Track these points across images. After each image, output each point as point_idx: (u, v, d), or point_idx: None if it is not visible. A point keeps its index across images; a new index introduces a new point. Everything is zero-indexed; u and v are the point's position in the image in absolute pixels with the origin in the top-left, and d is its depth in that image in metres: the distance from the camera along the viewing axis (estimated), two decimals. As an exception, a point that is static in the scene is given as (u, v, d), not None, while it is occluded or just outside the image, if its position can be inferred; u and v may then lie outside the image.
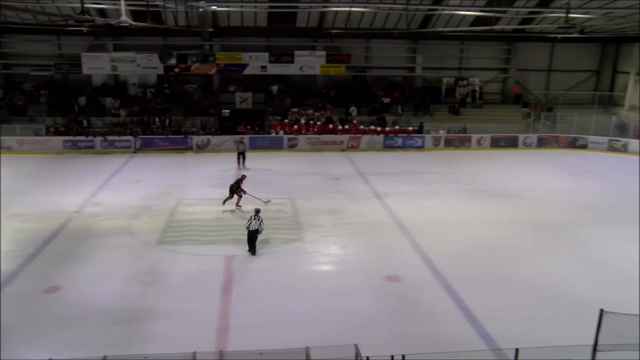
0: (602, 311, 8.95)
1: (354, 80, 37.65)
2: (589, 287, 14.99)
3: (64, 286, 14.49)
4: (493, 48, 38.57)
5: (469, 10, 28.92)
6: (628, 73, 37.27)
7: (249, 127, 33.22)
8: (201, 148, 32.00)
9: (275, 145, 32.31)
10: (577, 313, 13.13)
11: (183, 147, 31.81)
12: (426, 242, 18.11)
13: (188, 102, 35.24)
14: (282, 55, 34.01)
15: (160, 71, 33.83)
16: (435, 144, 33.67)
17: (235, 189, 21.45)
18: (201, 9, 27.08)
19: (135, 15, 25.80)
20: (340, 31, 32.38)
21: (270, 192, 23.59)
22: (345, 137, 32.96)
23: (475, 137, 34.05)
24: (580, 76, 39.87)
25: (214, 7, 27.40)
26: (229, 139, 32.06)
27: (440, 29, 32.33)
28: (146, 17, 21.26)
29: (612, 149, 33.79)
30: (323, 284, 15.10)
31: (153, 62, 32.90)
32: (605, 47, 39.33)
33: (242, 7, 29.63)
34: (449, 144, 33.80)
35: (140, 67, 33.33)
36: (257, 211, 17.11)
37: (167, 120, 33.18)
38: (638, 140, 33.71)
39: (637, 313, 9.23)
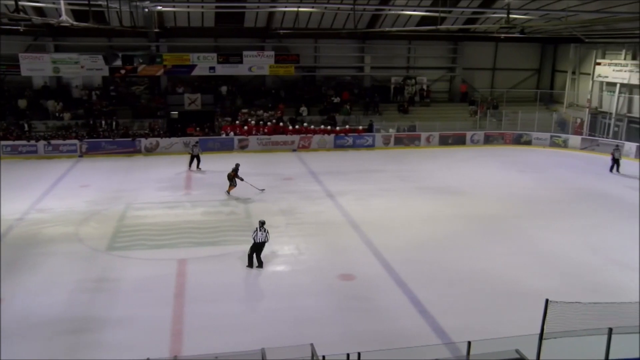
0: (547, 301, 9.24)
1: (303, 80, 37.71)
2: (534, 278, 15.51)
3: (6, 298, 13.91)
4: (439, 47, 39.34)
5: (415, 10, 29.39)
6: (566, 72, 38.75)
7: (198, 128, 32.80)
8: (150, 151, 31.38)
9: (226, 147, 32.01)
10: (524, 303, 13.58)
11: (131, 150, 31.12)
12: (378, 239, 18.33)
13: (135, 104, 34.50)
14: (230, 56, 33.73)
15: (106, 73, 32.96)
16: (385, 143, 34.09)
17: (233, 176, 22.95)
18: (146, 9, 26.54)
19: (77, 15, 25.06)
20: (288, 31, 32.36)
21: (223, 193, 23.40)
22: (296, 137, 32.98)
23: (424, 135, 34.65)
24: (522, 74, 41.18)
25: (159, 8, 26.89)
26: (178, 141, 31.58)
27: (387, 29, 32.72)
28: (88, 17, 20.64)
29: (553, 144, 35.03)
30: (277, 285, 15.07)
31: (97, 64, 31.97)
32: (545, 47, 40.78)
33: (188, 7, 29.19)
34: (399, 142, 34.28)
35: (84, 68, 32.36)
36: (262, 223, 16.14)
37: (114, 123, 32.37)
38: (577, 136, 35.20)
39: (580, 301, 9.59)
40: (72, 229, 18.97)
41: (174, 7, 28.61)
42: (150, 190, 24.08)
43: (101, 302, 13.82)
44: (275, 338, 11.63)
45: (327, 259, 16.78)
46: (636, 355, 9.89)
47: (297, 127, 33.72)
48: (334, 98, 36.55)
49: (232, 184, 23.09)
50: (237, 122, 33.47)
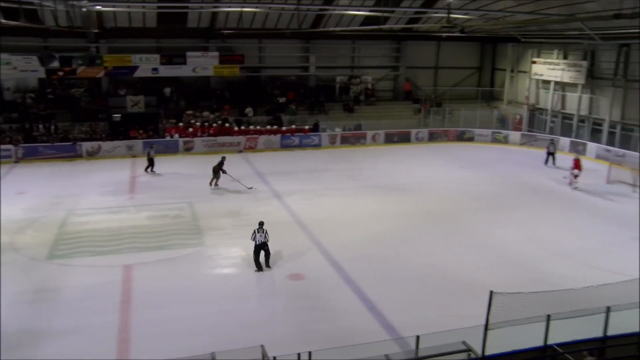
0: (491, 292, 9.52)
1: (248, 80, 37.44)
2: (480, 271, 15.98)
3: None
4: (383, 47, 39.88)
5: (358, 10, 29.69)
6: (504, 70, 40.02)
7: (141, 131, 32.08)
8: (92, 155, 30.43)
9: (171, 149, 31.42)
10: (470, 296, 13.92)
11: (72, 155, 30.09)
12: (326, 238, 18.43)
13: (75, 107, 33.34)
14: (174, 57, 33.14)
15: (42, 74, 31.73)
16: (332, 142, 34.29)
17: (217, 169, 23.98)
18: (84, 9, 25.72)
19: (6, 12, 23.92)
20: (232, 31, 32.10)
21: (168, 196, 23.02)
22: (242, 138, 32.73)
23: (369, 133, 35.04)
24: (464, 73, 42.26)
25: (98, 7, 26.12)
26: (121, 145, 30.80)
27: (331, 29, 32.95)
28: (19, 16, 19.71)
29: (495, 140, 36.10)
30: (226, 287, 14.95)
31: (32, 65, 30.74)
32: (484, 46, 41.99)
33: (129, 7, 28.44)
34: (345, 141, 34.54)
35: (17, 70, 30.98)
36: (261, 224, 15.98)
37: (52, 127, 31.22)
38: (517, 132, 36.40)
39: (521, 291, 9.93)
40: (7, 239, 18.09)
41: (113, 7, 27.81)
42: (93, 195, 23.38)
43: (42, 313, 13.32)
44: (226, 341, 11.49)
45: (276, 259, 16.72)
46: (572, 339, 10.34)
47: (242, 127, 33.48)
48: (280, 98, 36.48)
49: (217, 176, 24.11)
50: (182, 124, 32.91)
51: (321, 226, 19.61)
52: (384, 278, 15.60)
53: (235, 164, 29.13)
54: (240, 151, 32.35)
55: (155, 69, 32.87)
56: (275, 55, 37.43)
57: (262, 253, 15.89)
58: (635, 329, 10.89)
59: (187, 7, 28.95)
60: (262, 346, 9.12)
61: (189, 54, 33.20)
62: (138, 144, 30.99)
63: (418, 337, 9.57)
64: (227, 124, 33.39)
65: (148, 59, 32.66)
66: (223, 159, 24.84)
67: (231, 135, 32.79)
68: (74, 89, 34.21)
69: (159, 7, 29.00)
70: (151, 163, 27.29)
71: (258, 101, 36.25)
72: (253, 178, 26.38)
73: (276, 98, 36.53)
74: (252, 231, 15.93)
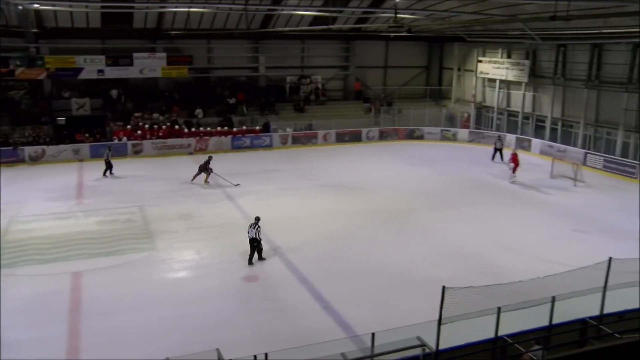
0: (444, 287, 9.72)
1: (197, 81, 36.97)
2: (433, 267, 16.29)
3: None
4: (333, 46, 40.10)
5: (307, 10, 29.76)
6: (452, 69, 40.91)
7: (87, 134, 31.19)
8: (35, 160, 29.37)
9: (119, 152, 30.61)
10: (424, 291, 14.09)
11: (13, 160, 28.92)
12: (281, 239, 18.41)
13: (15, 110, 32.07)
14: (120, 58, 32.38)
15: (-24, 76, 30.36)
16: (283, 142, 34.25)
17: (204, 168, 24.89)
18: (20, 7, 24.71)
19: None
20: (180, 32, 31.61)
21: (118, 201, 22.51)
22: (192, 140, 32.29)
23: (321, 133, 35.18)
24: (412, 72, 42.94)
25: (36, 6, 25.16)
26: (67, 149, 29.86)
27: (280, 29, 32.89)
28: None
29: (444, 138, 36.85)
30: (180, 291, 14.72)
31: (-34, 66, 29.41)
32: (432, 45, 42.78)
33: (70, 6, 27.55)
34: (297, 141, 34.57)
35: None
36: (257, 219, 16.55)
37: (-10, 131, 29.99)
38: (465, 130, 37.29)
39: (473, 285, 10.18)
40: (-53, 248, 17.39)
41: (53, 5, 26.90)
42: (38, 201, 22.60)
43: (-15, 326, 12.79)
44: (181, 346, 11.37)
45: (229, 261, 16.63)
46: (520, 329, 10.68)
47: (192, 129, 33.05)
48: (230, 99, 36.19)
49: (207, 173, 25.01)
50: (130, 126, 32.18)
51: (275, 227, 19.55)
52: (339, 277, 15.70)
53: (186, 166, 28.77)
54: (191, 153, 31.89)
55: (100, 71, 32.04)
56: (224, 56, 37.12)
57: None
58: (577, 316, 11.36)
59: (132, 8, 28.28)
60: (217, 349, 9.05)
61: (135, 55, 32.52)
62: (85, 147, 30.13)
63: (373, 334, 9.69)
64: (176, 126, 32.87)
65: (93, 60, 31.81)
66: (210, 158, 25.87)
67: (181, 137, 32.31)
68: (13, 91, 32.86)
69: (103, 7, 28.20)
70: (109, 166, 26.74)
71: (208, 102, 35.86)
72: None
73: (226, 99, 36.21)
74: (248, 225, 16.44)
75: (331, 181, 26.12)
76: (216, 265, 16.45)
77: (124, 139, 31.20)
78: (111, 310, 13.52)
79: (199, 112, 34.65)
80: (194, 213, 21.19)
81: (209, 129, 33.26)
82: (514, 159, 26.23)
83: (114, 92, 34.06)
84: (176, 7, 27.90)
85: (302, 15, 32.20)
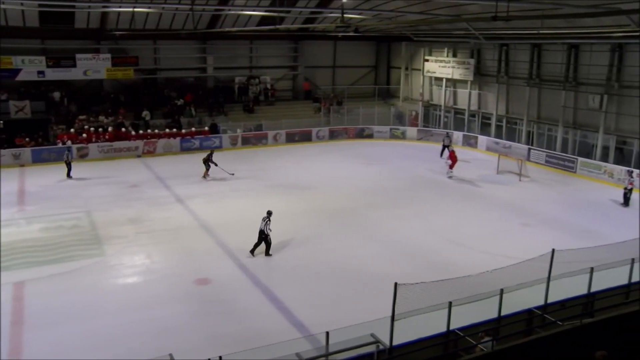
0: (396, 284, 9.85)
1: (144, 83, 36.22)
2: (385, 264, 16.49)
3: None
4: (281, 47, 40.04)
5: (254, 11, 29.56)
6: (399, 68, 41.51)
7: (28, 139, 30.02)
8: (-29, 166, 28.10)
9: (64, 157, 29.60)
10: (377, 289, 14.24)
11: (-55, 166, 27.57)
12: (233, 240, 18.26)
13: (-53, 113, 30.61)
14: (62, 59, 31.28)
15: None
16: (233, 143, 33.96)
17: (206, 161, 25.78)
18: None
19: None
20: (125, 32, 30.84)
21: (63, 206, 21.80)
22: (140, 143, 31.61)
23: (271, 133, 35.06)
24: (361, 71, 43.32)
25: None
26: (6, 153, 28.65)
27: (228, 29, 32.59)
28: None
29: (393, 136, 37.34)
30: (130, 297, 14.41)
31: None
32: (379, 45, 43.31)
33: (3, 4, 26.13)
34: (246, 142, 34.33)
35: None
36: (269, 213, 17.06)
37: None
38: (413, 128, 37.87)
39: (424, 281, 10.36)
40: None
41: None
42: (-25, 209, 21.64)
43: None
44: (132, 353, 11.14)
45: (181, 265, 16.38)
46: (471, 322, 10.95)
47: (140, 132, 32.37)
48: (178, 100, 35.61)
49: (206, 167, 25.73)
50: (74, 129, 31.18)
51: (226, 228, 19.40)
52: (292, 277, 15.70)
53: (133, 169, 28.20)
54: (139, 156, 31.22)
55: (41, 72, 30.87)
56: (171, 57, 36.48)
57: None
58: (524, 307, 11.74)
59: (73, 7, 27.32)
60: (170, 355, 8.90)
61: (78, 56, 31.50)
62: (26, 152, 29.06)
63: (327, 333, 9.73)
64: (123, 129, 32.11)
65: (32, 61, 30.62)
66: (212, 151, 27.04)
67: (128, 139, 31.58)
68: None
69: (40, 6, 27.05)
70: (70, 167, 26.37)
71: (155, 104, 35.16)
72: (153, 183, 25.62)
73: (174, 100, 35.61)
74: (262, 218, 16.95)
75: (282, 181, 26.07)
76: (167, 269, 16.17)
77: (69, 142, 30.20)
78: (57, 320, 13.07)
79: (146, 114, 33.94)
80: (144, 217, 20.76)
81: (156, 131, 32.65)
82: (452, 156, 27.05)
83: (57, 95, 32.94)
84: (120, 6, 27.16)
85: (250, 16, 32.00)
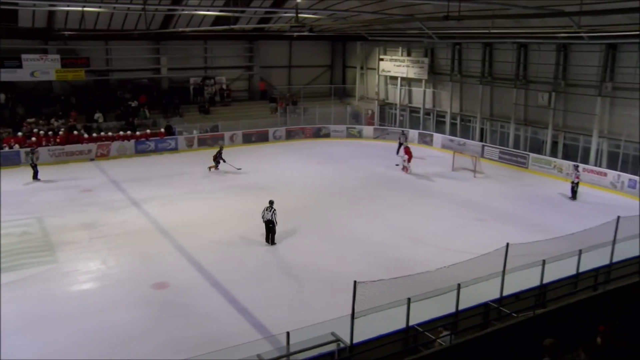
0: (355, 282, 9.93)
1: (96, 84, 35.35)
2: (345, 262, 16.59)
3: None
4: (236, 47, 39.73)
5: (208, 10, 29.23)
6: (355, 67, 41.79)
7: (-29, 143, 28.89)
8: None
9: (11, 161, 28.58)
10: (337, 287, 14.24)
11: None
12: (190, 243, 18.06)
13: None
14: (6, 60, 30.08)
15: None
16: (189, 145, 33.52)
17: (215, 158, 26.92)
18: None
19: None
20: (74, 33, 30.01)
21: (12, 213, 21.04)
22: (93, 146, 30.81)
23: (227, 134, 34.75)
24: (317, 71, 43.43)
25: None
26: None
27: (181, 29, 32.13)
28: None
29: (350, 135, 37.57)
30: (85, 305, 14.05)
31: None
32: (335, 44, 43.50)
33: None
34: (203, 143, 33.93)
35: None
36: (271, 202, 18.13)
37: None
38: (369, 127, 38.21)
39: (383, 278, 10.48)
40: None
41: None
42: None
43: None
44: (88, 362, 10.87)
45: (138, 269, 16.09)
46: (430, 317, 11.15)
47: (93, 134, 31.57)
48: (132, 102, 34.92)
49: (216, 162, 26.77)
50: (21, 133, 30.12)
51: (183, 231, 19.16)
52: (252, 278, 15.62)
53: (87, 173, 27.52)
54: (92, 159, 30.45)
55: (-18, 73, 29.73)
56: (124, 58, 35.69)
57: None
58: (480, 301, 12.02)
59: (16, 5, 26.23)
60: (129, 362, 8.76)
61: (24, 56, 30.39)
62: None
63: (288, 333, 9.74)
64: (75, 131, 31.26)
65: (-28, 61, 29.43)
66: (221, 147, 27.92)
67: (81, 143, 30.76)
68: None
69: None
70: (36, 170, 25.92)
71: (108, 106, 34.37)
72: (108, 187, 25.06)
73: (128, 102, 34.91)
74: (264, 208, 18.08)
75: (239, 182, 25.91)
76: (124, 274, 15.86)
77: (16, 146, 29.22)
78: (7, 330, 12.60)
79: (98, 116, 33.14)
80: (98, 222, 20.28)
81: (110, 133, 31.91)
82: (407, 152, 27.59)
83: (1, 97, 31.79)
84: (67, 5, 26.31)
85: (204, 16, 31.62)
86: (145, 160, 30.83)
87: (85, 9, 25.98)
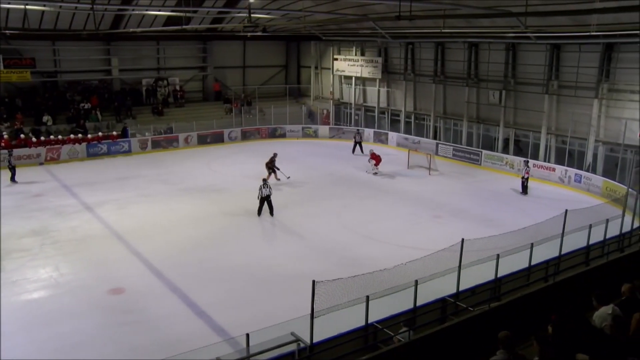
0: (313, 282, 9.95)
1: (43, 86, 34.29)
2: (302, 262, 16.59)
3: None
4: (189, 47, 39.22)
5: (159, 11, 28.72)
6: (309, 67, 41.86)
7: None
8: None
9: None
10: (295, 287, 14.23)
11: None
12: (145, 247, 17.73)
13: None
14: (-60, 60, 28.87)
15: None
16: (142, 147, 32.89)
17: (269, 166, 25.65)
18: None
19: None
20: (17, 32, 28.97)
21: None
22: (41, 150, 29.87)
23: (182, 136, 34.27)
24: (271, 71, 43.29)
25: None
26: None
27: (132, 30, 31.46)
28: None
29: (305, 135, 37.61)
30: (36, 314, 13.57)
31: None
32: (289, 44, 43.46)
33: None
34: (157, 145, 33.36)
35: None
36: (264, 180, 21.07)
37: None
38: (325, 126, 38.36)
39: (341, 277, 10.54)
40: None
41: None
42: None
43: None
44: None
45: (92, 276, 15.69)
46: (389, 314, 11.28)
47: (42, 138, 30.59)
48: (83, 104, 34.00)
49: (273, 171, 25.66)
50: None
51: (138, 235, 18.79)
52: (209, 281, 15.44)
53: (36, 177, 26.64)
54: (41, 163, 29.51)
55: None
56: (73, 59, 34.72)
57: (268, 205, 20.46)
58: (438, 296, 12.24)
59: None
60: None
61: (-37, 57, 29.23)
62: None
63: (248, 334, 9.69)
64: (22, 135, 30.23)
65: None
66: (275, 155, 26.33)
67: (28, 147, 29.76)
68: None
69: None
70: (14, 171, 25.46)
71: (57, 108, 33.38)
72: (58, 191, 24.33)
73: (78, 104, 33.97)
74: (259, 187, 20.46)
75: (193, 184, 25.57)
76: (78, 281, 15.43)
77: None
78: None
79: (47, 119, 32.15)
80: (49, 227, 19.67)
81: (60, 137, 31.00)
82: (373, 157, 27.66)
83: (-59, 100, 30.52)
84: (8, 3, 25.28)
85: (155, 16, 31.05)
86: (98, 164, 30.07)
87: (27, 7, 25.04)
